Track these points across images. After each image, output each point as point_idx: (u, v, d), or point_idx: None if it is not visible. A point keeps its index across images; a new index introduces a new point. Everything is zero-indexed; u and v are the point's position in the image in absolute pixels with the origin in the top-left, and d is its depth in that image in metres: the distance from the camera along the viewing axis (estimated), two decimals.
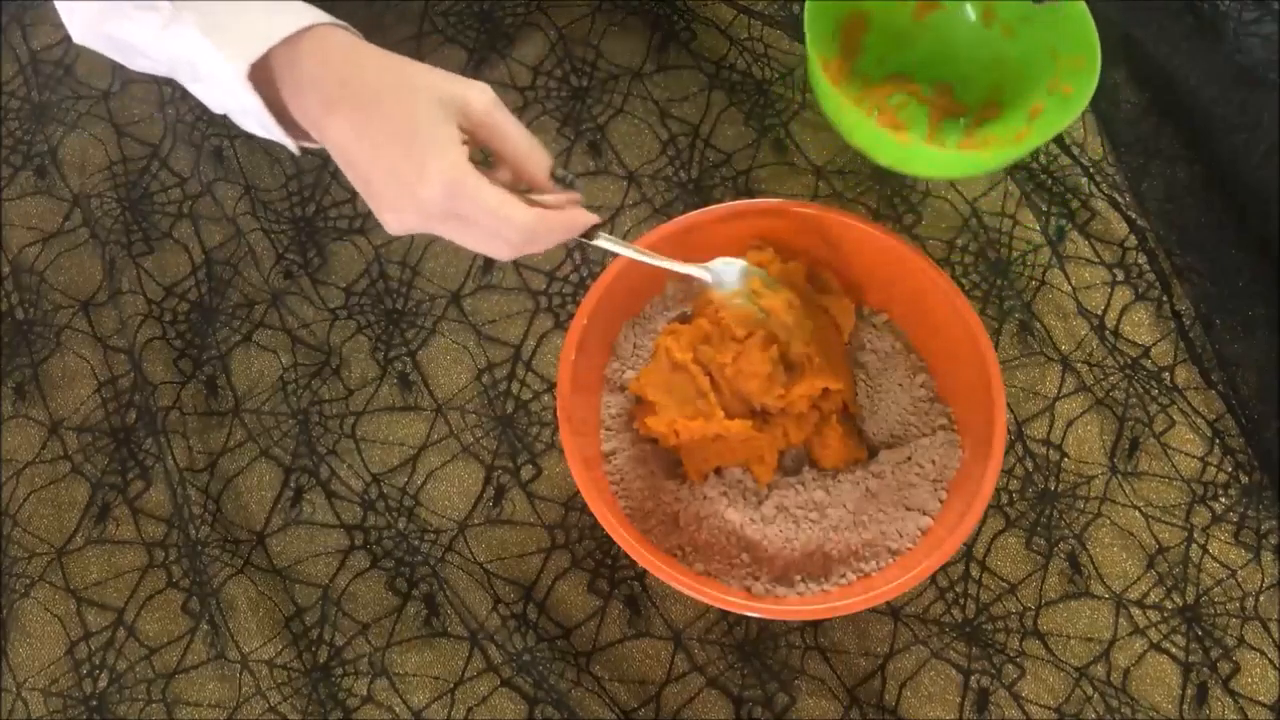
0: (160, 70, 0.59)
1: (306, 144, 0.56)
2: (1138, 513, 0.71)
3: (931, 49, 0.75)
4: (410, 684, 0.68)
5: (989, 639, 0.68)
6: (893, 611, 0.69)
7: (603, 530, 0.62)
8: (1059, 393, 0.74)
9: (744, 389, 0.65)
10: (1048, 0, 0.68)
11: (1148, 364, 0.75)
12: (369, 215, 0.81)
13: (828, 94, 0.67)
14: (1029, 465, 0.72)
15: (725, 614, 0.69)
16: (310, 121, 0.52)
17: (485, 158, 0.55)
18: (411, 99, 0.50)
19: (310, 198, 0.81)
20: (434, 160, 0.49)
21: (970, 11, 0.73)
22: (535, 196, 0.53)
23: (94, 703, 0.69)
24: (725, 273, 0.64)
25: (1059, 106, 0.68)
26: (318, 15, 0.52)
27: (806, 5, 0.68)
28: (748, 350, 0.64)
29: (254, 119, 0.54)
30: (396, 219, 0.51)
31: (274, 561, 0.71)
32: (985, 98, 0.74)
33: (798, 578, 0.64)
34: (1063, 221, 0.79)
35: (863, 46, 0.75)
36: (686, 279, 0.72)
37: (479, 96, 0.51)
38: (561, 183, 0.53)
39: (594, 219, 0.54)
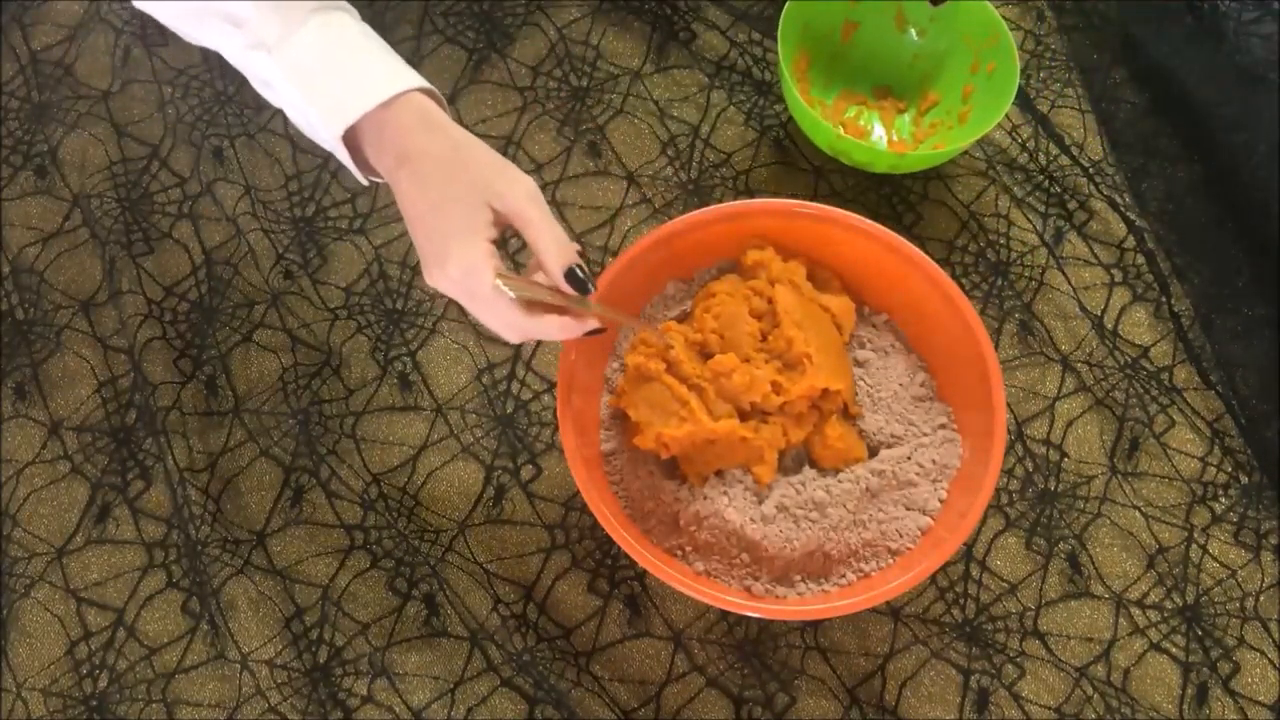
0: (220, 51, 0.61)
1: (374, 178, 0.60)
2: (1138, 513, 0.71)
3: (863, 61, 0.85)
4: (410, 684, 0.68)
5: (989, 639, 0.68)
6: (893, 611, 0.69)
7: (603, 530, 0.62)
8: (1059, 393, 0.74)
9: (729, 389, 0.65)
10: (943, 2, 0.79)
11: (1147, 364, 0.75)
12: (369, 215, 0.81)
13: (828, 135, 0.76)
14: (1029, 465, 0.72)
15: (725, 614, 0.69)
16: (384, 170, 0.58)
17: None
18: (456, 183, 0.55)
19: (310, 198, 0.81)
20: (456, 246, 0.54)
21: (885, 21, 0.84)
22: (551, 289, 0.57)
23: (94, 703, 0.69)
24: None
25: (989, 84, 0.79)
26: (410, 80, 0.56)
27: (785, 90, 0.77)
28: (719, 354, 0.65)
29: (325, 142, 0.58)
30: (431, 280, 0.56)
31: (274, 561, 0.71)
32: (919, 90, 0.84)
33: (798, 578, 0.64)
34: (1061, 223, 0.79)
35: (809, 78, 0.84)
36: (687, 278, 0.72)
37: (517, 190, 0.56)
38: (574, 281, 0.56)
39: (589, 325, 0.58)
